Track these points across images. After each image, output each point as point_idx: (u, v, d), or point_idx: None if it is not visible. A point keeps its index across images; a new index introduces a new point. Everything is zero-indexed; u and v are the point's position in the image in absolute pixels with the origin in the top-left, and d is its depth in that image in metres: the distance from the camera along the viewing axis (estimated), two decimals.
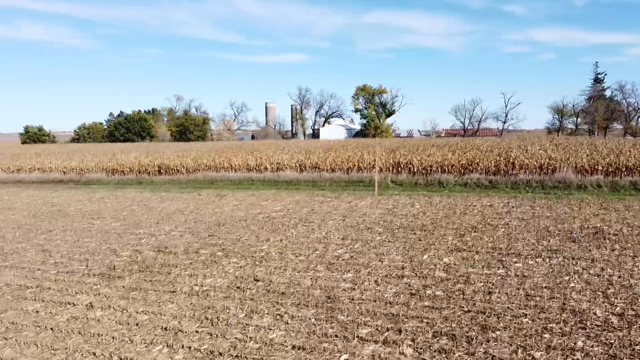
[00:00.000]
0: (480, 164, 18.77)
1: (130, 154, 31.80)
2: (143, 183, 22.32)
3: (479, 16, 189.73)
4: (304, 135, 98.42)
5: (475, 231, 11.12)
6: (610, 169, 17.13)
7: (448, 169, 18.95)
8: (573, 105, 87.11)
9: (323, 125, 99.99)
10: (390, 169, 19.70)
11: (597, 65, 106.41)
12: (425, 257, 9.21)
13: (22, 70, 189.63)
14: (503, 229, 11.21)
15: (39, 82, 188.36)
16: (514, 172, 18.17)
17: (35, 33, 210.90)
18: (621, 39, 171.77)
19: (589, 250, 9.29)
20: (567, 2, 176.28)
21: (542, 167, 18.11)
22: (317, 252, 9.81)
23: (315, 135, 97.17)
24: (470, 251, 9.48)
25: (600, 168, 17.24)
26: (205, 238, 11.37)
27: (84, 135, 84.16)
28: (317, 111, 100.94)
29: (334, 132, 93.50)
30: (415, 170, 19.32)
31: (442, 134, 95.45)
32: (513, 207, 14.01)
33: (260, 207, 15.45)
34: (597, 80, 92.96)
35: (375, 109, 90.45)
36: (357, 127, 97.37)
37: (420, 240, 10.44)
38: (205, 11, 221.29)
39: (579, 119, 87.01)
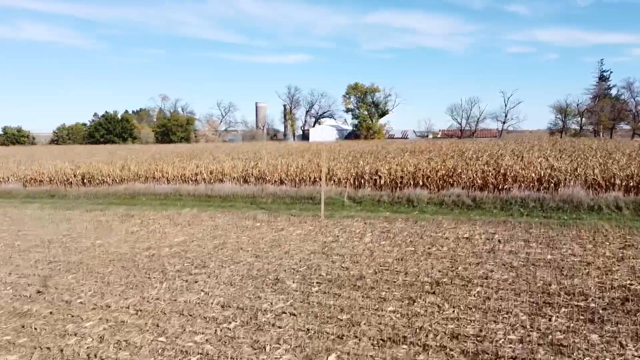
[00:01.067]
0: (463, 175, 14.68)
1: (91, 158, 27.91)
2: (55, 196, 18.35)
3: (480, 16, 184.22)
4: (294, 136, 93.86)
5: (435, 291, 7.14)
6: (632, 184, 12.98)
7: (422, 182, 14.86)
8: (577, 105, 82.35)
9: (313, 126, 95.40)
10: (351, 181, 15.64)
11: (602, 63, 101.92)
12: (331, 357, 5.25)
13: (20, 70, 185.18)
14: (479, 288, 7.21)
15: (36, 83, 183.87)
16: (506, 187, 14.05)
17: (36, 33, 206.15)
18: (625, 39, 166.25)
19: (621, 345, 5.30)
20: (570, 2, 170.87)
21: (542, 180, 13.99)
22: (160, 339, 5.88)
23: (305, 136, 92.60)
24: (413, 344, 5.51)
25: (618, 182, 13.08)
26: (23, 299, 7.46)
27: (64, 136, 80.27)
28: (308, 111, 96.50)
29: (324, 133, 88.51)
30: (382, 183, 15.25)
31: (439, 135, 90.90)
32: (500, 241, 9.97)
33: (159, 235, 11.49)
34: (603, 78, 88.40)
35: (367, 108, 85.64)
36: (350, 127, 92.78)
37: (342, 311, 6.46)
38: (206, 11, 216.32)
39: (583, 119, 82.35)
